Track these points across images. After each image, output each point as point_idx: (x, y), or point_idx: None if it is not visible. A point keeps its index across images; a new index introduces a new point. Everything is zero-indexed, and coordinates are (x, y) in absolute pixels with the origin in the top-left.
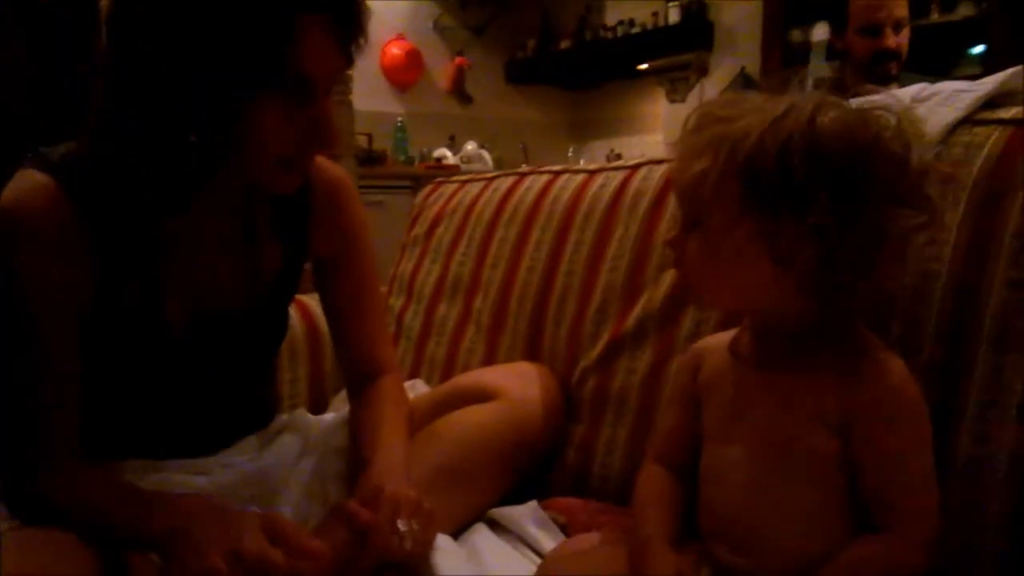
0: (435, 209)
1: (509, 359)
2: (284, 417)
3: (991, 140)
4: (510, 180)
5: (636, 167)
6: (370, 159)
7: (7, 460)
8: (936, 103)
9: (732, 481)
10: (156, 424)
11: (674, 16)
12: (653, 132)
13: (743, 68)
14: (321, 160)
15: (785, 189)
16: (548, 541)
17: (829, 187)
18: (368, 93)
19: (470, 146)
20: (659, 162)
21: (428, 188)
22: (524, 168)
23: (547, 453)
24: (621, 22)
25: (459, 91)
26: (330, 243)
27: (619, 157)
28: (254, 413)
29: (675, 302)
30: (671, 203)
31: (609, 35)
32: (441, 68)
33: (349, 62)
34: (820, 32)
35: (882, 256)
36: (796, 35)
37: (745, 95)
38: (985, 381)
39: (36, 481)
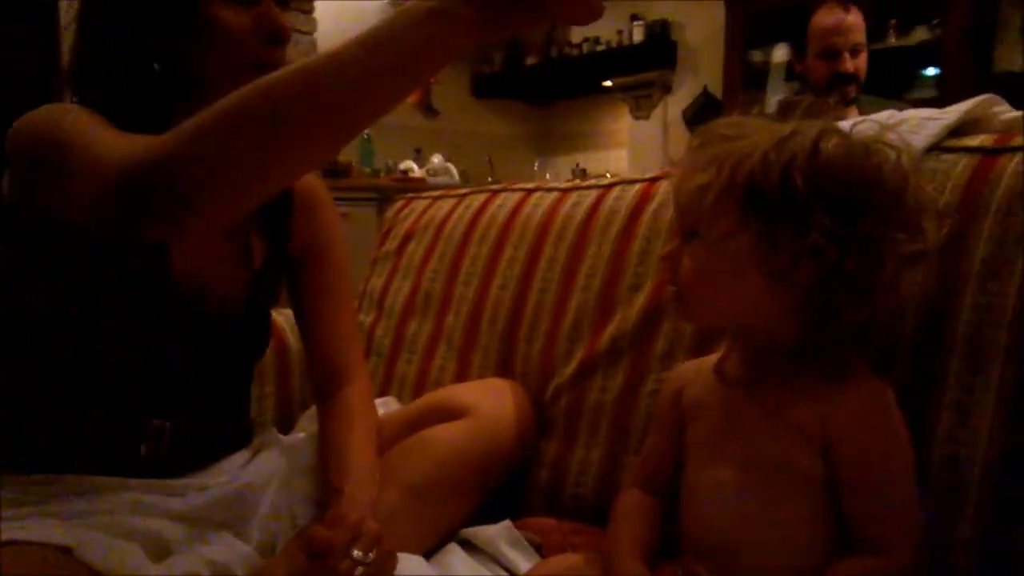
0: (406, 225)
1: (481, 376)
2: (255, 441)
3: (959, 167)
4: (482, 197)
5: (608, 187)
6: (335, 171)
7: None
8: (904, 131)
9: (717, 499)
10: (137, 432)
11: (638, 35)
12: (618, 147)
13: (705, 87)
14: None
15: (785, 206)
16: (523, 562)
17: (829, 209)
18: None
19: (436, 159)
20: (631, 182)
21: (399, 204)
22: (495, 185)
23: (519, 470)
24: (587, 39)
25: (426, 104)
26: (306, 243)
27: (584, 172)
28: (233, 432)
29: (648, 321)
30: (644, 223)
31: (575, 52)
32: None
33: None
34: (780, 54)
35: (877, 282)
36: (757, 56)
37: (749, 118)
38: (955, 401)
39: None
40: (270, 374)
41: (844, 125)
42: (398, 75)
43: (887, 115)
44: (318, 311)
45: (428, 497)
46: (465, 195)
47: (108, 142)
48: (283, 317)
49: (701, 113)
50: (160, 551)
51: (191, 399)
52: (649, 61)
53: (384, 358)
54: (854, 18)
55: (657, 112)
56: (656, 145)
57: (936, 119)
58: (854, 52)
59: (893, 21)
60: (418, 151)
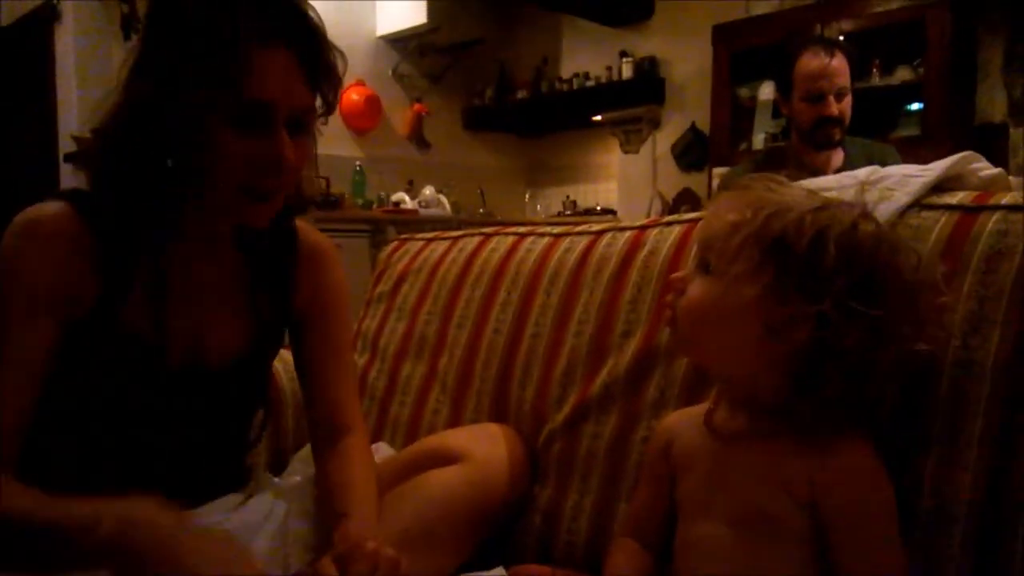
0: (400, 267)
1: (475, 420)
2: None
3: (940, 224)
4: (475, 240)
5: (600, 233)
6: (327, 203)
7: None
8: (886, 187)
9: (708, 554)
10: (131, 477)
11: (627, 71)
12: (607, 180)
13: (693, 123)
14: (306, 225)
15: (807, 268)
16: None
17: (850, 285)
18: (326, 137)
19: (428, 191)
20: (622, 229)
21: (393, 245)
22: (488, 229)
23: (513, 515)
24: (576, 75)
25: (417, 137)
26: (310, 301)
27: (575, 203)
28: (229, 474)
29: (640, 368)
30: (635, 269)
31: (564, 87)
32: (400, 114)
33: (314, 97)
34: (766, 91)
35: (870, 367)
36: (744, 92)
37: (793, 183)
38: (940, 455)
39: None
40: (262, 417)
41: (825, 181)
42: None
43: (868, 171)
44: (321, 368)
45: (421, 543)
46: (459, 238)
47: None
48: (279, 361)
49: (689, 148)
50: None
51: (187, 450)
52: (637, 97)
53: (377, 400)
54: (839, 63)
55: (646, 146)
56: (645, 178)
57: (917, 176)
58: (839, 96)
59: (877, 61)
60: (410, 183)
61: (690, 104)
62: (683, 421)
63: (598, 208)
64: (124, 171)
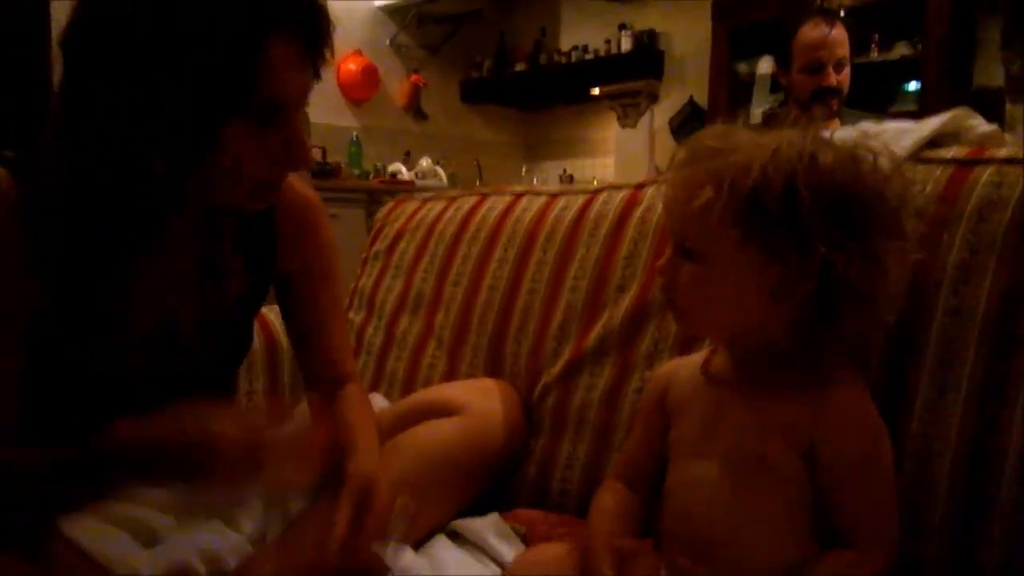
0: (397, 225)
1: (470, 375)
2: None
3: (934, 177)
4: (472, 200)
5: (597, 192)
6: (324, 172)
7: None
8: (883, 142)
9: (701, 495)
10: None
11: (627, 44)
12: (605, 155)
13: (691, 97)
14: (290, 179)
15: (788, 222)
16: (508, 551)
17: (834, 222)
18: (323, 107)
19: (425, 162)
20: (618, 187)
21: (389, 205)
22: (484, 188)
23: (508, 467)
24: (575, 47)
25: (415, 108)
26: (298, 260)
27: (572, 178)
28: None
29: (634, 322)
30: (631, 226)
31: (563, 60)
32: (397, 85)
33: (317, 77)
34: (765, 66)
35: (881, 289)
36: (742, 67)
37: (733, 127)
38: (927, 400)
39: None
40: (260, 370)
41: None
42: None
43: (865, 127)
44: (312, 330)
45: (418, 492)
46: (455, 198)
47: None
48: (274, 314)
49: (687, 123)
50: (148, 540)
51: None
52: (636, 70)
53: (374, 356)
54: (838, 33)
55: (644, 120)
56: (643, 153)
57: (912, 131)
58: (838, 67)
59: (876, 36)
60: (407, 154)
61: (689, 78)
62: (680, 368)
63: (595, 183)
64: (102, 177)
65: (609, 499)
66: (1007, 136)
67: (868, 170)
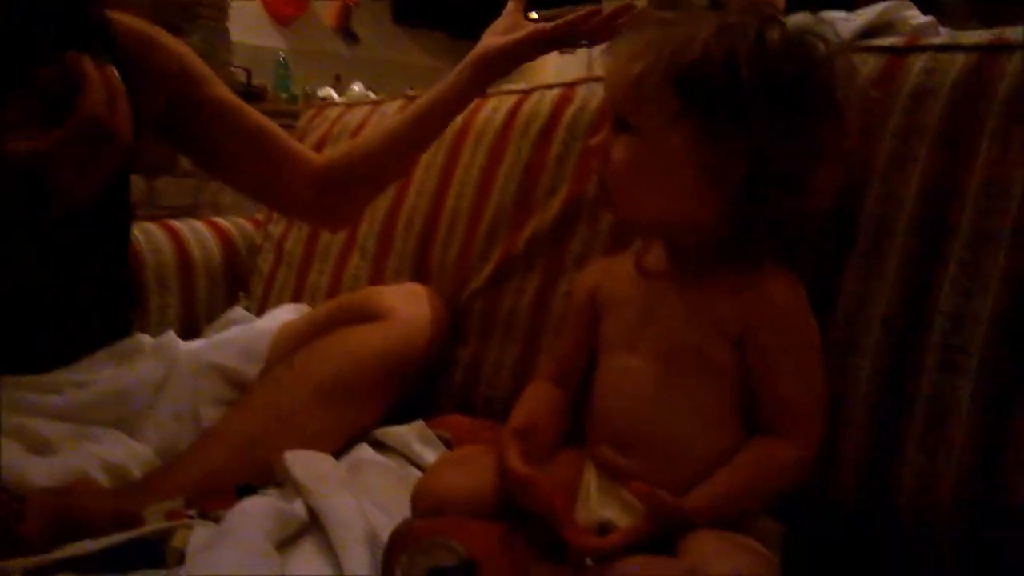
0: (319, 133)
1: (395, 283)
2: (147, 339)
3: (868, 66)
4: (397, 104)
5: (528, 91)
6: (249, 95)
7: None
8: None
9: (631, 386)
10: None
11: None
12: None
13: None
14: (119, 16)
15: (727, 98)
16: (432, 456)
17: (771, 100)
18: (246, 25)
19: (356, 87)
20: (550, 87)
21: (311, 112)
22: (411, 92)
23: (432, 373)
24: None
25: (345, 29)
26: (162, 88)
27: None
28: (102, 322)
29: (564, 224)
30: (563, 126)
31: None
32: (326, 3)
33: None
34: None
35: (814, 178)
36: None
37: (683, 2)
38: (855, 291)
39: None
40: (173, 284)
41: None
42: None
43: (801, 17)
44: (248, 135)
45: (342, 395)
46: (380, 102)
47: None
48: (186, 227)
49: None
50: (41, 450)
51: (44, 289)
52: None
53: (295, 269)
54: None
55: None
56: None
57: (849, 20)
58: None
59: None
60: (337, 78)
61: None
62: (611, 265)
63: None
64: None
65: (530, 393)
66: (943, 30)
67: (815, 55)
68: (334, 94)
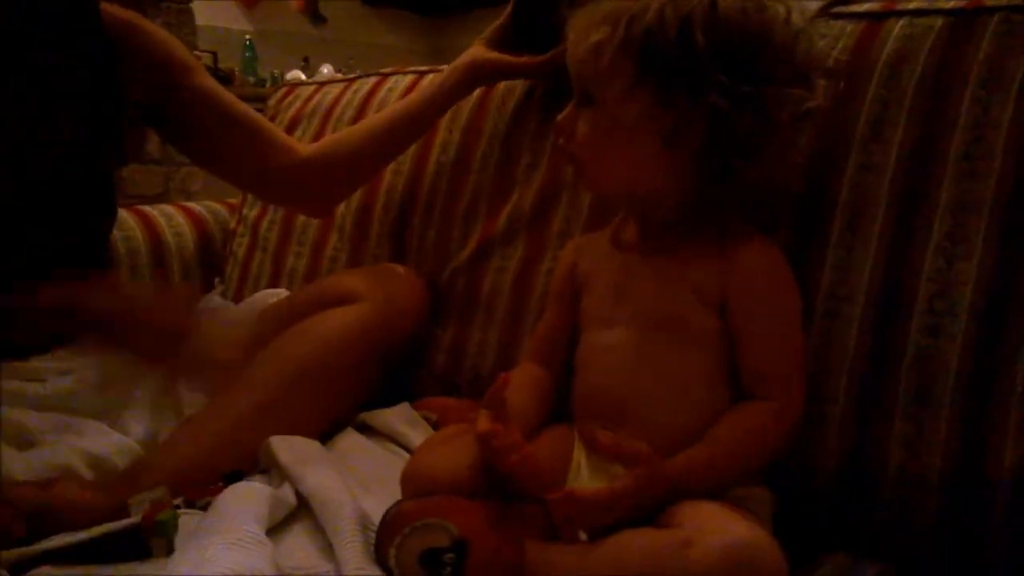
0: (291, 112)
1: (375, 264)
2: None
3: (846, 32)
4: (371, 81)
5: None
6: (216, 79)
7: None
8: None
9: (611, 362)
10: None
11: None
12: None
13: None
14: (106, 4)
15: (683, 65)
16: (419, 438)
17: (726, 67)
18: (211, 7)
19: (325, 69)
20: None
21: (283, 91)
22: (385, 69)
23: (415, 355)
24: None
25: (312, 10)
26: (152, 80)
27: None
28: None
29: (545, 200)
30: (541, 99)
31: None
32: None
33: None
34: None
35: (772, 142)
36: None
37: None
38: (837, 259)
39: None
40: (146, 270)
41: None
42: None
43: None
44: (221, 121)
45: (321, 379)
46: (353, 79)
47: None
48: (158, 212)
49: None
50: (23, 443)
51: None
52: None
53: (271, 253)
54: None
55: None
56: None
57: None
58: None
59: None
60: (305, 60)
61: None
62: (590, 241)
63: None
64: None
65: (516, 375)
66: None
67: (773, 20)
68: (302, 76)
